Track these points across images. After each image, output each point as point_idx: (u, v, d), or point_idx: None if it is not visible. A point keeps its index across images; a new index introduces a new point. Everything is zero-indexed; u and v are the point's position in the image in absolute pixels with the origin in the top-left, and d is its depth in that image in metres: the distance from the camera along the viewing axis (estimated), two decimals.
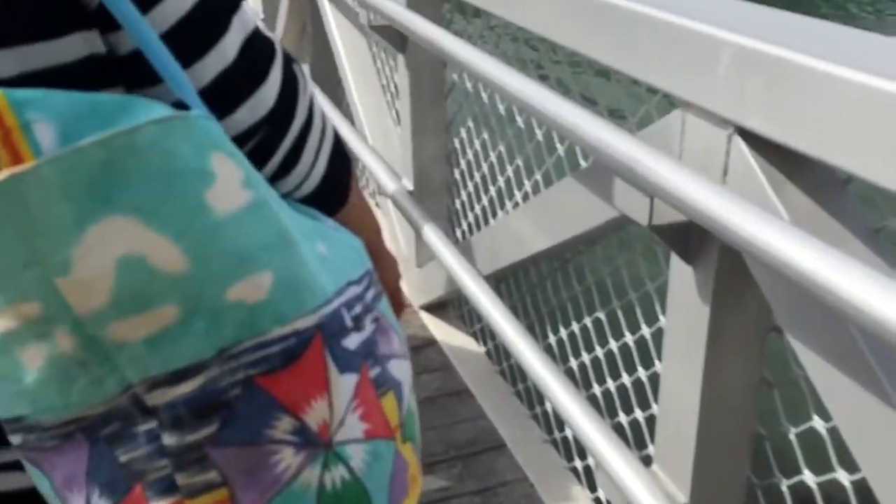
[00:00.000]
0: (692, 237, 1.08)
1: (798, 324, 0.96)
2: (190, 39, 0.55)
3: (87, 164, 0.46)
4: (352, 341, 0.57)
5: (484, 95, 1.98)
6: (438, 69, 2.15)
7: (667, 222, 1.05)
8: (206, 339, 0.49)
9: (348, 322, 0.57)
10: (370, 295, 0.62)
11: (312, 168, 0.66)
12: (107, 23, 0.51)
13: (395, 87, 2.63)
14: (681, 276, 1.12)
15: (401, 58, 2.16)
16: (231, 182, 0.50)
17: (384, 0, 2.06)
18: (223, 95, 0.57)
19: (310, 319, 0.53)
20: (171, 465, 0.51)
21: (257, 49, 0.60)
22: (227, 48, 0.57)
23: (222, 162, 0.50)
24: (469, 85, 2.05)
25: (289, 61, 0.65)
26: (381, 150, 2.58)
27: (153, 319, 0.49)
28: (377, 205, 3.03)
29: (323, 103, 3.02)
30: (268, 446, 0.52)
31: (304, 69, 3.46)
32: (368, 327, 0.60)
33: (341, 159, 0.72)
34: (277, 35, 3.83)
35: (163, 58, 0.51)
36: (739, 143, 1.00)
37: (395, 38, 2.11)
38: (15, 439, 0.54)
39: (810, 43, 0.94)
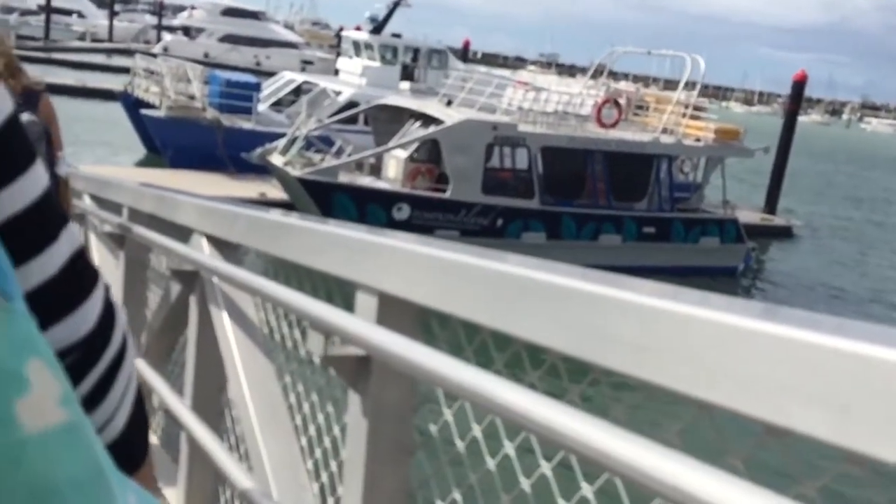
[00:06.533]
0: None
1: None
2: (20, 238, 0.53)
3: None
4: None
5: (489, 460, 1.39)
6: (407, 416, 1.58)
7: None
8: None
9: None
10: None
11: (117, 410, 0.63)
12: None
13: (318, 430, 2.00)
14: None
15: (355, 398, 1.58)
16: (47, 396, 0.45)
17: (348, 317, 1.52)
18: (46, 304, 0.55)
19: None
20: None
21: (82, 266, 0.60)
22: (56, 256, 0.57)
23: (39, 370, 0.45)
24: (461, 443, 1.47)
25: (108, 290, 0.64)
26: None
27: None
28: None
29: (204, 436, 2.30)
30: None
31: (168, 395, 2.73)
32: None
33: (142, 411, 0.68)
34: (143, 347, 3.13)
35: None
36: None
37: (352, 371, 1.55)
38: None
39: None
